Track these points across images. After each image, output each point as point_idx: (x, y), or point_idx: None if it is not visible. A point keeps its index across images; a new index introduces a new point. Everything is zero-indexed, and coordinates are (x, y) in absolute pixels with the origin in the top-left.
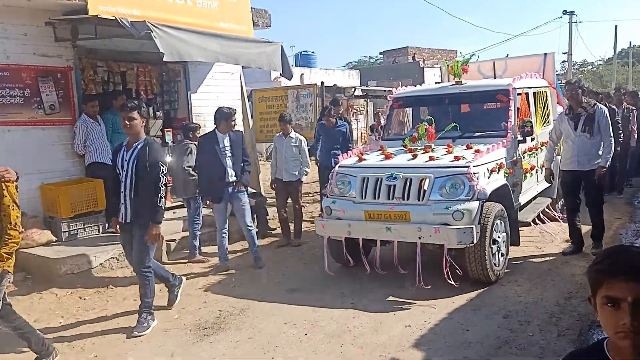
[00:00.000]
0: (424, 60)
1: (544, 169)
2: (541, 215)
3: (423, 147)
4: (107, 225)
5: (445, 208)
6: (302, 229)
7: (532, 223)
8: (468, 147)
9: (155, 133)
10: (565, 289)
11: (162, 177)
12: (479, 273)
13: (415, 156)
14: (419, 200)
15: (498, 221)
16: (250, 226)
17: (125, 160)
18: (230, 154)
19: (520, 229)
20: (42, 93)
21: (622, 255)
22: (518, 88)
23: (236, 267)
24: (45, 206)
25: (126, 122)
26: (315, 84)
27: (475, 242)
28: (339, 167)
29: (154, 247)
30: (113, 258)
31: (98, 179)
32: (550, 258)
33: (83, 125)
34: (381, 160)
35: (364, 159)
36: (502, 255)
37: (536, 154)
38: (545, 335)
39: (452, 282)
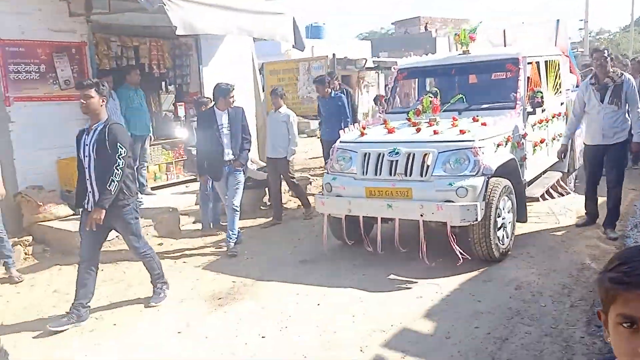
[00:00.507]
0: (436, 30)
1: (561, 144)
2: (551, 190)
3: (427, 121)
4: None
5: (449, 184)
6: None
7: (540, 199)
8: (474, 120)
9: (167, 107)
10: (578, 260)
11: (119, 160)
12: (483, 251)
13: (418, 130)
14: (421, 176)
15: (504, 197)
16: (236, 207)
17: (87, 145)
18: (227, 132)
19: (529, 204)
20: (57, 68)
21: None
22: (528, 57)
23: (250, 239)
24: (62, 180)
25: (82, 101)
26: (327, 55)
27: (479, 219)
28: (340, 142)
29: (139, 228)
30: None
31: None
32: (563, 231)
33: None
34: (384, 135)
35: (366, 134)
36: (508, 233)
37: (547, 126)
38: (558, 306)
39: (464, 255)
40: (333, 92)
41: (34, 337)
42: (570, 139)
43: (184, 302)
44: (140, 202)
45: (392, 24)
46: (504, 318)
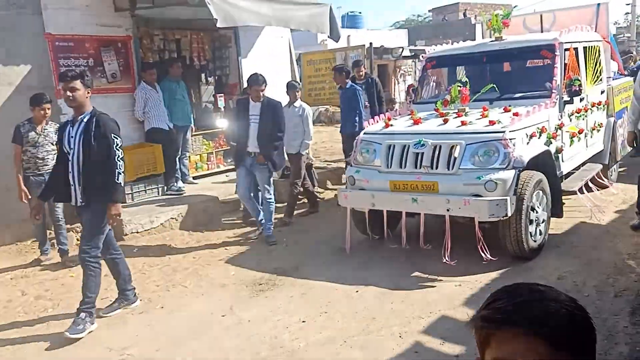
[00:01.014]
0: (475, 16)
1: (627, 132)
2: (590, 184)
3: (456, 111)
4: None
5: (477, 178)
6: (315, 208)
7: (578, 192)
8: (506, 110)
9: (207, 98)
10: (623, 250)
11: (117, 151)
12: (514, 248)
13: (446, 121)
14: (448, 169)
15: (538, 191)
16: (270, 199)
17: (72, 137)
18: (256, 123)
19: (566, 197)
20: (105, 62)
21: (518, 296)
22: (565, 43)
23: (287, 228)
24: None
25: (68, 93)
26: (364, 45)
27: (509, 214)
28: (364, 133)
29: (102, 236)
30: (172, 218)
31: (156, 143)
32: (608, 221)
33: (142, 93)
34: (409, 126)
35: (391, 125)
36: (541, 229)
37: (585, 116)
38: (602, 295)
39: (489, 257)
40: (350, 82)
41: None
42: (636, 125)
43: (226, 286)
44: (183, 191)
45: (429, 11)
46: None
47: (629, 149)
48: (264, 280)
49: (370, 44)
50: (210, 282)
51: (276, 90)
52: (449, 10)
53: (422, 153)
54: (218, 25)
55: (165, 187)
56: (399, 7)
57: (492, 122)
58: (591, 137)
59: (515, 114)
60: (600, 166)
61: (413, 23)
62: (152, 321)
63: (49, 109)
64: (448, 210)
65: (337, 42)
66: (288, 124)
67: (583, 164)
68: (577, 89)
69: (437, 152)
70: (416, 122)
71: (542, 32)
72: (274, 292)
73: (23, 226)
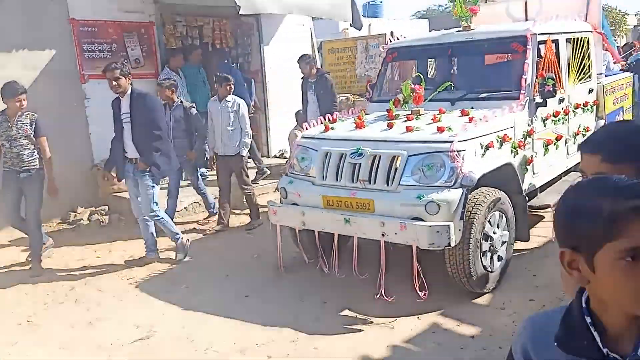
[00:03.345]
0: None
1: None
2: None
3: (410, 113)
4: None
5: (417, 197)
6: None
7: (552, 208)
8: (463, 114)
9: None
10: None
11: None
12: (463, 281)
13: (390, 126)
14: (387, 184)
15: (494, 213)
16: (154, 213)
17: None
18: (129, 122)
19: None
20: (128, 48)
21: None
22: (542, 34)
23: (202, 246)
24: None
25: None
26: (384, 34)
27: (453, 244)
28: (302, 137)
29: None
30: (195, 202)
31: None
32: None
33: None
34: (350, 131)
35: (332, 128)
36: (501, 255)
37: (566, 119)
38: None
39: (423, 296)
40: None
41: (113, 297)
42: None
43: (248, 270)
44: (206, 175)
45: (450, 0)
46: (560, 292)
47: None
48: (286, 262)
49: (392, 32)
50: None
51: (298, 78)
52: None
53: (360, 164)
54: (241, 12)
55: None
56: None
57: (440, 129)
58: (574, 143)
59: (471, 119)
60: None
61: (434, 13)
62: (176, 301)
63: (24, 99)
64: (383, 235)
65: (359, 30)
66: (220, 122)
67: (565, 173)
68: (551, 89)
69: (376, 164)
70: (358, 126)
71: (526, 20)
72: (296, 274)
73: None
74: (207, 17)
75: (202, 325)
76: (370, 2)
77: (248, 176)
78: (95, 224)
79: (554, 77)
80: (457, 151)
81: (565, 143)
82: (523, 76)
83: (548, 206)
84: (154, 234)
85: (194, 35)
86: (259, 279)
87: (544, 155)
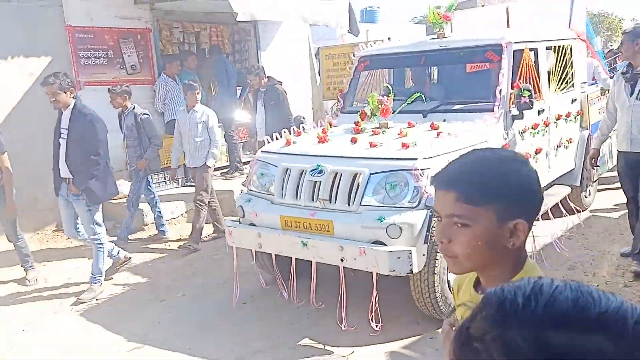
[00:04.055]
0: None
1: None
2: (561, 208)
3: (377, 126)
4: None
5: (379, 219)
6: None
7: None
8: (432, 127)
9: None
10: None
11: None
12: (428, 309)
13: (354, 141)
14: (348, 204)
15: None
16: (96, 239)
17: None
18: (65, 139)
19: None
20: (124, 54)
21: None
22: (519, 42)
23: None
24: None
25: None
26: (382, 40)
27: (416, 270)
28: (261, 152)
29: None
30: (191, 209)
31: None
32: (620, 213)
33: (162, 85)
34: (312, 145)
35: (293, 142)
36: None
37: (546, 132)
38: (612, 286)
39: (375, 326)
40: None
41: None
42: (602, 141)
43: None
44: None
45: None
46: None
47: (610, 165)
48: None
49: (389, 38)
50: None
51: (296, 84)
52: (467, 6)
53: (320, 182)
54: (237, 19)
55: (186, 179)
56: (418, 2)
57: (404, 145)
58: (555, 155)
59: (439, 134)
60: (568, 189)
61: None
62: (172, 308)
63: None
64: (342, 260)
65: (357, 36)
66: (188, 133)
67: (546, 187)
68: (528, 101)
69: (337, 182)
70: (321, 141)
71: (507, 27)
72: None
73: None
74: (204, 24)
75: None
76: (368, 9)
77: (208, 192)
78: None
79: (531, 88)
80: (421, 169)
81: (546, 156)
82: (497, 87)
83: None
84: (101, 266)
85: (190, 42)
86: (226, 304)
87: None
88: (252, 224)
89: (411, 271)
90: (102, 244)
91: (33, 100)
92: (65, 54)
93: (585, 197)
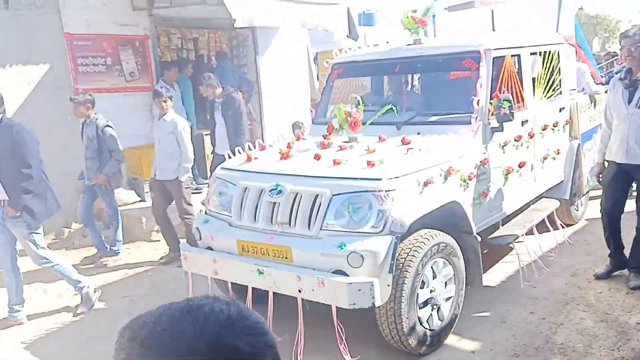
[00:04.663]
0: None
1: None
2: (548, 224)
3: (346, 141)
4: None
5: (339, 246)
6: None
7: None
8: (404, 142)
9: None
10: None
11: None
12: (396, 342)
13: (318, 157)
14: (309, 228)
15: (436, 260)
16: (46, 262)
17: None
18: None
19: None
20: (122, 61)
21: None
22: (499, 49)
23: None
24: (128, 168)
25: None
26: (379, 43)
27: (379, 303)
28: (221, 168)
29: None
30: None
31: None
32: (623, 219)
33: None
34: (273, 162)
35: (255, 158)
36: (446, 308)
37: (530, 143)
38: (614, 293)
39: (348, 358)
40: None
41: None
42: (605, 154)
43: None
44: (201, 190)
45: (444, 9)
46: (559, 304)
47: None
48: None
49: (387, 42)
50: None
51: (294, 89)
52: (464, 7)
53: (279, 203)
54: (236, 25)
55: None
56: (415, 5)
57: (369, 163)
58: (542, 168)
59: (409, 149)
60: (556, 203)
61: None
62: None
63: None
64: (300, 291)
65: (355, 40)
66: (160, 144)
67: (532, 202)
68: (508, 112)
69: (297, 203)
70: (283, 157)
71: (493, 30)
72: None
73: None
74: (202, 30)
75: None
76: (365, 12)
77: (190, 204)
78: (89, 239)
79: (512, 98)
80: (386, 191)
81: (532, 169)
82: (475, 97)
83: (516, 237)
84: (19, 288)
85: (189, 48)
86: None
87: (504, 185)
88: (210, 248)
89: (373, 305)
90: (56, 264)
91: (32, 108)
92: (64, 61)
93: (576, 210)
